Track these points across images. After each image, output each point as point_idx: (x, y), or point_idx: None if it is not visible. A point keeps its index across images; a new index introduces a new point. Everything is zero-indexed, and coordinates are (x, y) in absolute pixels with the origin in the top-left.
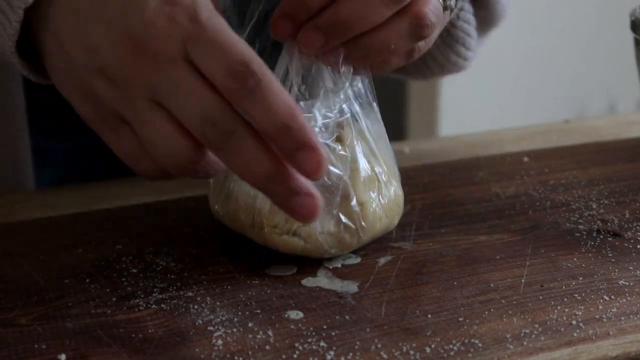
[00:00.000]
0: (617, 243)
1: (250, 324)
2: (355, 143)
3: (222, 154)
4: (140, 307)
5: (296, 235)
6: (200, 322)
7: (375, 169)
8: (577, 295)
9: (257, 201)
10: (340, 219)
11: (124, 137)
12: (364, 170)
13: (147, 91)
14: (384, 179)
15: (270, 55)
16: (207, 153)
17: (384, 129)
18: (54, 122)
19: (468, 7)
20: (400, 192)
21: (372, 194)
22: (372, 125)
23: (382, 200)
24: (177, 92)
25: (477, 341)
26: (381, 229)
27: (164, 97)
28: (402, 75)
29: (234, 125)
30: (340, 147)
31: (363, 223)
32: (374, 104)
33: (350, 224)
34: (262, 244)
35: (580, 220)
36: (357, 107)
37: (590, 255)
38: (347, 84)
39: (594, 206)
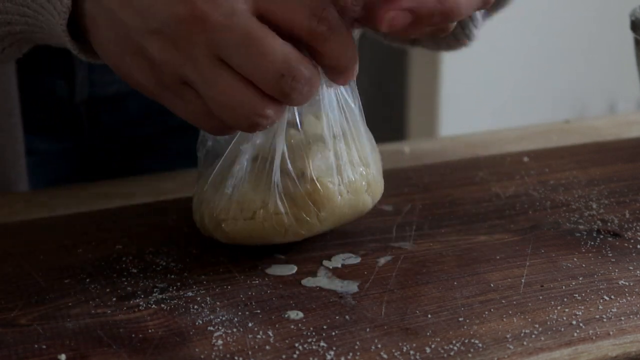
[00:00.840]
0: (617, 243)
1: (250, 324)
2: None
3: (290, 100)
4: (140, 307)
5: (253, 218)
6: (200, 322)
7: (338, 146)
8: (577, 295)
9: (214, 201)
10: (293, 197)
11: (188, 100)
12: (320, 146)
13: (209, 48)
14: (349, 159)
15: None
16: (271, 103)
17: (360, 111)
18: (47, 124)
19: None
20: (373, 174)
21: (329, 170)
22: (347, 104)
23: (344, 179)
24: (247, 48)
25: (477, 341)
26: (345, 206)
27: (229, 54)
28: (405, 44)
29: (308, 72)
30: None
31: (317, 198)
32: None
33: (304, 201)
34: (228, 243)
35: (580, 220)
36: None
37: (590, 255)
38: None
39: (594, 206)
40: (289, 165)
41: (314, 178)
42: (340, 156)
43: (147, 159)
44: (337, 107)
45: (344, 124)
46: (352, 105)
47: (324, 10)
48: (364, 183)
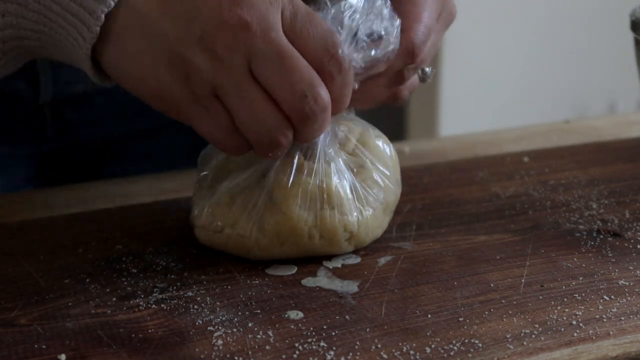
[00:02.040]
0: (617, 243)
1: (250, 324)
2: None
3: (305, 124)
4: (140, 307)
5: (220, 232)
6: (200, 322)
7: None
8: (577, 295)
9: (196, 204)
10: (261, 223)
11: (215, 114)
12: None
13: (246, 61)
14: (338, 202)
15: None
16: (290, 126)
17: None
18: (8, 127)
19: None
20: (366, 220)
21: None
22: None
23: (320, 221)
24: (279, 63)
25: (477, 341)
26: (314, 246)
27: (262, 66)
28: None
29: (327, 99)
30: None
31: (283, 230)
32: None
33: (271, 229)
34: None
35: (580, 220)
36: None
37: (590, 255)
38: None
39: (594, 206)
40: (273, 193)
41: (286, 211)
42: (324, 198)
43: (115, 162)
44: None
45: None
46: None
47: (337, 50)
48: (344, 232)
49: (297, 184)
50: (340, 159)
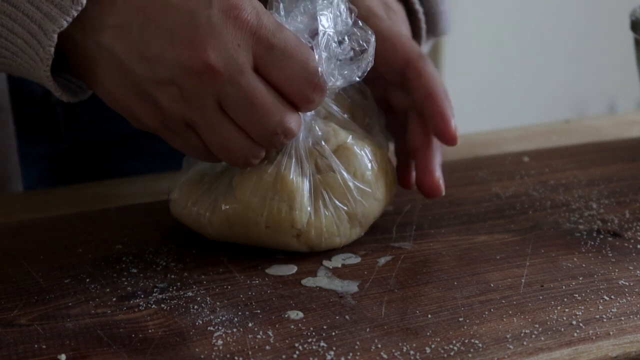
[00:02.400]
0: (617, 243)
1: (250, 324)
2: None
3: (275, 148)
4: (140, 307)
5: (185, 208)
6: (200, 322)
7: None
8: (577, 295)
9: (178, 179)
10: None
11: (188, 139)
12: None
13: (215, 101)
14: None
15: None
16: (262, 147)
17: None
18: (22, 127)
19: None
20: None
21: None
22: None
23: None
24: (250, 107)
25: (477, 341)
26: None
27: (233, 108)
28: None
29: (297, 127)
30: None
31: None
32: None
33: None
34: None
35: (580, 220)
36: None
37: (590, 255)
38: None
39: (594, 206)
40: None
41: (238, 195)
42: (277, 188)
43: (127, 160)
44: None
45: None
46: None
47: (318, 79)
48: (291, 228)
49: (254, 171)
50: (307, 157)
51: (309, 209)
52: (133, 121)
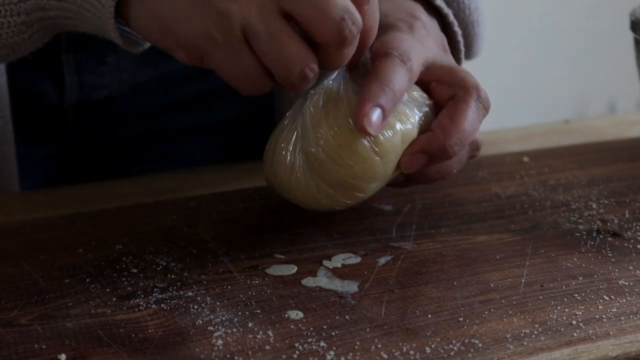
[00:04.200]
0: (617, 243)
1: (250, 324)
2: None
3: (343, 47)
4: (140, 307)
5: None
6: (200, 322)
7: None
8: (577, 295)
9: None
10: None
11: (243, 57)
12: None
13: (277, 5)
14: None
15: None
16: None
17: None
18: (33, 129)
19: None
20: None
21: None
22: None
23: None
24: (310, 4)
25: (477, 341)
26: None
27: (294, 4)
28: None
29: (360, 22)
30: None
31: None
32: None
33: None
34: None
35: (580, 220)
36: None
37: (590, 255)
38: None
39: (594, 206)
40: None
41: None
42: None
43: (136, 164)
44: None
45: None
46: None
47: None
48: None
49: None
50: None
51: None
52: (182, 48)
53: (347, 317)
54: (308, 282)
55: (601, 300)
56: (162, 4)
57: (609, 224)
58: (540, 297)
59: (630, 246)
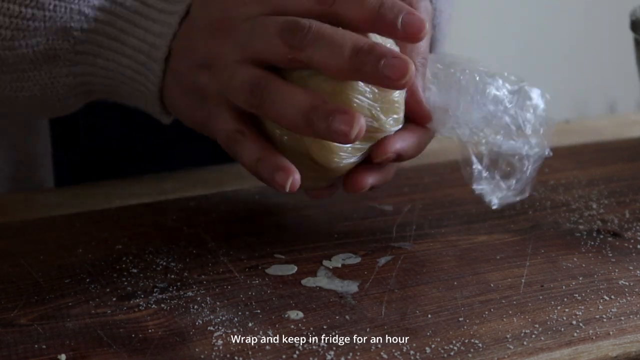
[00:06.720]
0: (617, 243)
1: (250, 324)
2: None
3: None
4: (140, 307)
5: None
6: (200, 322)
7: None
8: (577, 295)
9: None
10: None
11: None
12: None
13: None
14: None
15: None
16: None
17: None
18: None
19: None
20: None
21: None
22: None
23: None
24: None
25: (477, 341)
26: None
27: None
28: None
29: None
30: None
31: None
32: None
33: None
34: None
35: (580, 220)
36: None
37: (590, 255)
38: None
39: (594, 206)
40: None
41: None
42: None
43: (137, 164)
44: None
45: None
46: None
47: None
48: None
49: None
50: None
51: None
52: (210, 135)
53: (347, 317)
54: (308, 282)
55: (601, 300)
56: (176, 101)
57: (609, 224)
58: (541, 297)
59: (630, 246)
